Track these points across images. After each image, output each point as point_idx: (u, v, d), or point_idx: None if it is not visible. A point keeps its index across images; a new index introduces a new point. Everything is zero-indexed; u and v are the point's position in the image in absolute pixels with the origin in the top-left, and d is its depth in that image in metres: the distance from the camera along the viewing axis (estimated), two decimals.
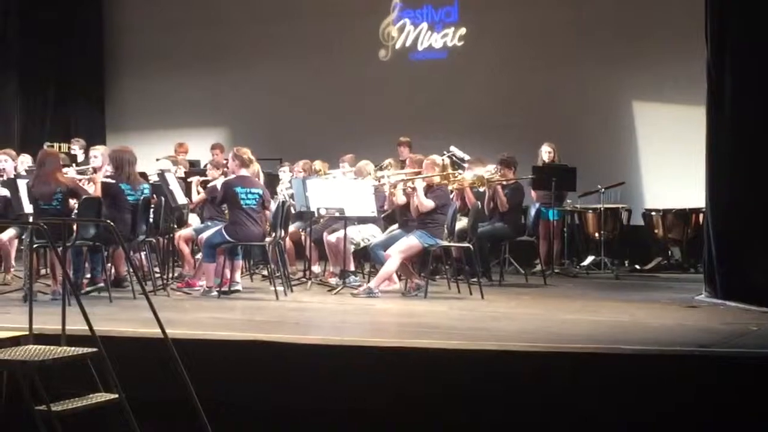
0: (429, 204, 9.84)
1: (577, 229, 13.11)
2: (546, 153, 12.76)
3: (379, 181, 10.74)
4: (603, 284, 11.49)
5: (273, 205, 10.54)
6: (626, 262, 13.14)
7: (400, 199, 10.20)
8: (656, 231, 12.87)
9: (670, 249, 12.93)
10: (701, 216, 11.52)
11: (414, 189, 10.00)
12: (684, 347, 6.68)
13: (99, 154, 11.29)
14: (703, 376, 6.12)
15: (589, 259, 12.77)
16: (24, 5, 16.29)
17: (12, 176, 10.79)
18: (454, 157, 11.95)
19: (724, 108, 9.10)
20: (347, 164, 12.11)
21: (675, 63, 13.16)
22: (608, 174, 13.23)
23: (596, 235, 12.79)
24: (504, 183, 11.28)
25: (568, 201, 12.94)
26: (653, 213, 12.95)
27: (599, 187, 12.68)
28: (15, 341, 6.25)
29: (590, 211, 12.91)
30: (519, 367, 6.35)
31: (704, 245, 9.47)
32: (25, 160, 11.95)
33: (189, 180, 11.62)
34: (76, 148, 13.70)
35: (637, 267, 12.89)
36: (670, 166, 13.37)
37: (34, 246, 9.10)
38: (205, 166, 12.34)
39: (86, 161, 12.09)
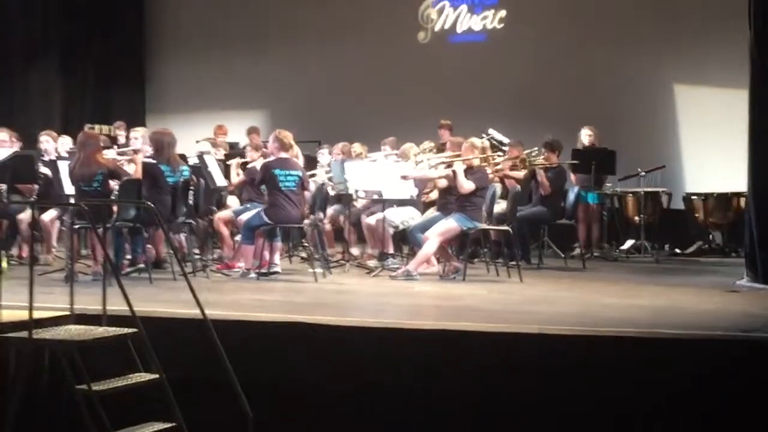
0: (469, 186, 9.80)
1: (617, 212, 13.03)
2: (586, 136, 12.68)
3: (418, 164, 10.71)
4: (643, 268, 11.42)
5: (312, 187, 10.55)
6: (666, 246, 13.05)
7: (441, 182, 10.17)
8: (697, 215, 12.77)
9: (711, 233, 12.83)
10: (743, 200, 11.41)
11: (452, 171, 9.98)
12: (725, 332, 6.62)
13: (139, 135, 11.36)
14: (744, 361, 6.07)
15: (629, 243, 12.69)
16: None
17: (53, 157, 10.87)
18: (493, 140, 11.92)
19: (767, 90, 9.00)
20: (389, 147, 12.10)
21: (717, 44, 13.04)
22: (648, 157, 13.15)
23: (636, 219, 12.71)
24: (547, 166, 11.23)
25: (608, 185, 12.86)
26: (694, 197, 12.84)
27: (639, 170, 12.59)
28: (56, 321, 6.32)
29: (630, 194, 12.83)
30: (558, 350, 6.33)
31: (746, 229, 9.39)
32: (66, 142, 12.03)
33: (228, 162, 11.65)
34: (120, 132, 13.77)
35: (678, 251, 12.80)
36: (712, 149, 13.26)
37: (75, 227, 9.21)
38: (244, 147, 12.37)
39: (127, 144, 12.15)
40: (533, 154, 11.28)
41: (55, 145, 11.59)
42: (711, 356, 6.13)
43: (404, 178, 10.46)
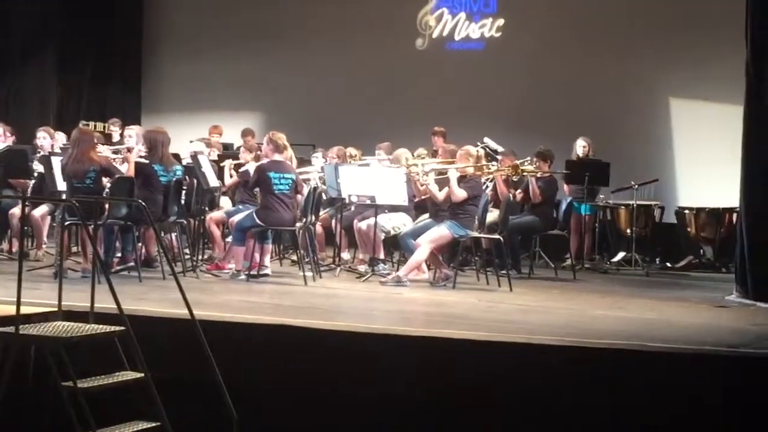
0: (461, 194, 9.80)
1: (609, 224, 13.04)
2: (581, 147, 12.70)
3: (410, 170, 10.69)
4: (633, 281, 11.43)
5: (305, 190, 10.55)
6: (657, 259, 13.05)
7: (433, 188, 10.15)
8: (689, 229, 12.77)
9: (702, 248, 12.83)
10: (734, 215, 11.43)
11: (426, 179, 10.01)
12: (713, 347, 6.62)
13: (133, 134, 11.34)
14: (731, 377, 6.07)
15: (620, 255, 12.69)
16: None
17: (47, 153, 10.85)
18: (487, 149, 11.92)
19: (763, 106, 9.01)
20: (383, 152, 12.08)
21: (713, 60, 13.06)
22: (642, 170, 13.16)
23: (628, 231, 12.71)
24: (538, 175, 11.24)
25: (601, 196, 12.86)
26: (686, 211, 12.85)
27: (633, 183, 12.61)
28: (44, 317, 6.31)
29: (623, 206, 12.84)
30: (546, 360, 6.33)
31: (737, 245, 9.40)
32: (61, 138, 12.01)
33: (222, 163, 11.64)
34: (115, 129, 13.74)
35: (668, 265, 12.80)
36: (705, 164, 13.28)
37: (66, 223, 9.19)
38: (238, 149, 12.35)
39: (121, 141, 12.13)
40: (525, 163, 11.29)
41: (51, 141, 11.57)
42: (699, 371, 6.13)
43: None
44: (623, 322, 7.93)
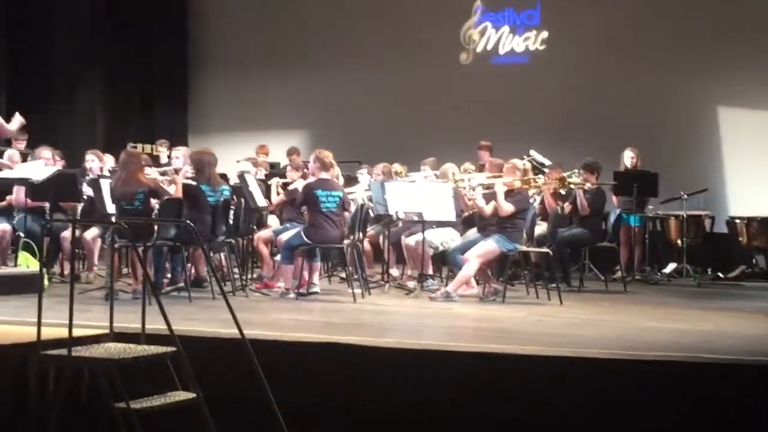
0: (509, 208, 9.77)
1: (659, 235, 12.93)
2: (629, 158, 12.60)
3: (457, 184, 10.67)
4: (685, 292, 11.32)
5: (352, 208, 10.56)
6: (709, 270, 12.92)
7: (480, 203, 10.14)
8: (740, 239, 12.64)
9: (755, 257, 12.70)
10: None
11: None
12: None
13: (180, 155, 11.41)
14: None
15: (671, 266, 12.58)
16: (112, 8, 16.57)
17: (96, 176, 10.95)
18: (534, 162, 11.88)
19: None
20: (428, 167, 12.07)
21: (760, 67, 12.96)
22: (691, 180, 13.06)
23: (678, 242, 12.60)
24: (586, 188, 11.17)
25: (650, 207, 12.77)
26: (737, 220, 12.72)
27: (682, 193, 12.50)
28: (96, 339, 6.34)
29: (672, 217, 12.73)
30: (598, 374, 6.27)
31: None
32: (109, 161, 12.12)
33: (269, 182, 11.68)
34: (163, 150, 13.84)
35: (720, 275, 12.67)
36: (755, 172, 13.16)
37: (116, 246, 9.25)
38: (285, 167, 12.40)
39: (169, 162, 12.21)
40: (572, 175, 11.23)
41: (100, 164, 11.67)
42: (755, 381, 6.05)
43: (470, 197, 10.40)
44: (676, 334, 7.85)
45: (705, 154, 13.82)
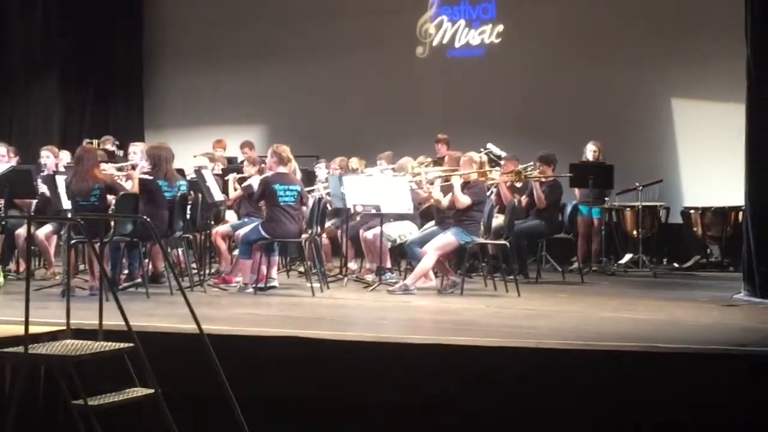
0: (466, 200, 9.81)
1: (615, 227, 13.02)
2: (591, 152, 12.66)
3: (414, 178, 10.70)
4: (641, 282, 11.42)
5: (310, 202, 10.56)
6: (664, 260, 13.05)
7: (437, 195, 10.18)
8: (695, 229, 12.77)
9: (709, 247, 12.83)
10: (740, 214, 11.43)
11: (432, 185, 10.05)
12: (722, 346, 6.62)
13: (137, 150, 11.35)
14: (740, 376, 6.06)
15: (627, 257, 12.68)
16: (65, 4, 16.43)
17: (51, 172, 10.87)
18: (491, 154, 11.93)
19: (765, 105, 9.01)
20: (384, 162, 12.11)
21: (714, 60, 13.06)
22: (646, 171, 13.15)
23: (634, 233, 12.70)
24: (542, 180, 11.23)
25: (606, 199, 12.86)
26: (692, 211, 12.85)
27: (637, 184, 12.59)
28: (53, 336, 6.31)
29: (628, 208, 12.83)
30: (556, 365, 6.32)
31: (743, 243, 9.39)
32: (65, 157, 12.02)
33: (226, 177, 11.65)
34: (109, 146, 13.71)
35: (676, 265, 12.80)
36: (709, 163, 13.26)
37: (72, 242, 9.20)
38: (242, 162, 12.37)
39: (125, 158, 12.13)
40: (528, 168, 11.29)
41: (56, 160, 11.58)
42: (708, 370, 6.12)
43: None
44: (632, 324, 7.93)
45: (660, 146, 13.91)
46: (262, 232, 9.94)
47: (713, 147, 13.13)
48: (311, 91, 15.80)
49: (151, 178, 10.04)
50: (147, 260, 10.18)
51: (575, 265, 12.03)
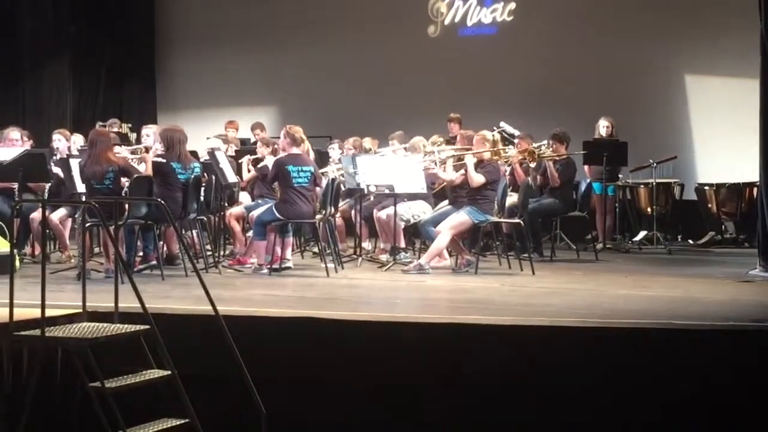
0: (479, 179, 9.80)
1: (629, 204, 13.00)
2: (603, 128, 12.65)
3: (427, 157, 10.68)
4: (655, 259, 11.40)
5: (323, 182, 10.56)
6: (679, 237, 13.03)
7: (450, 175, 10.17)
8: (709, 205, 12.73)
9: (724, 223, 12.79)
10: (755, 190, 11.38)
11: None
12: (738, 322, 6.61)
13: (151, 132, 11.36)
14: (756, 351, 6.05)
15: (642, 234, 12.64)
16: None
17: (65, 156, 10.88)
18: (504, 133, 11.91)
19: None
20: (396, 142, 12.09)
21: (729, 35, 12.98)
22: (660, 148, 13.11)
23: (648, 210, 12.68)
24: (556, 158, 11.21)
25: (620, 176, 12.83)
26: (706, 187, 12.81)
27: (651, 161, 12.56)
28: (69, 319, 6.33)
29: (642, 186, 12.80)
30: (571, 342, 6.32)
31: (758, 219, 9.36)
32: (77, 140, 12.04)
33: (239, 159, 11.65)
34: (114, 129, 13.69)
35: (690, 242, 12.77)
36: (724, 139, 13.21)
37: (87, 225, 9.22)
38: (255, 143, 12.37)
39: (138, 140, 12.13)
40: (542, 146, 11.26)
41: (67, 143, 11.59)
42: (725, 346, 6.12)
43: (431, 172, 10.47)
44: (647, 301, 7.92)
45: (674, 123, 13.86)
46: (276, 214, 9.95)
47: (727, 123, 13.08)
48: (324, 72, 15.77)
49: (164, 160, 10.05)
50: (162, 242, 10.21)
51: (593, 242, 11.96)
